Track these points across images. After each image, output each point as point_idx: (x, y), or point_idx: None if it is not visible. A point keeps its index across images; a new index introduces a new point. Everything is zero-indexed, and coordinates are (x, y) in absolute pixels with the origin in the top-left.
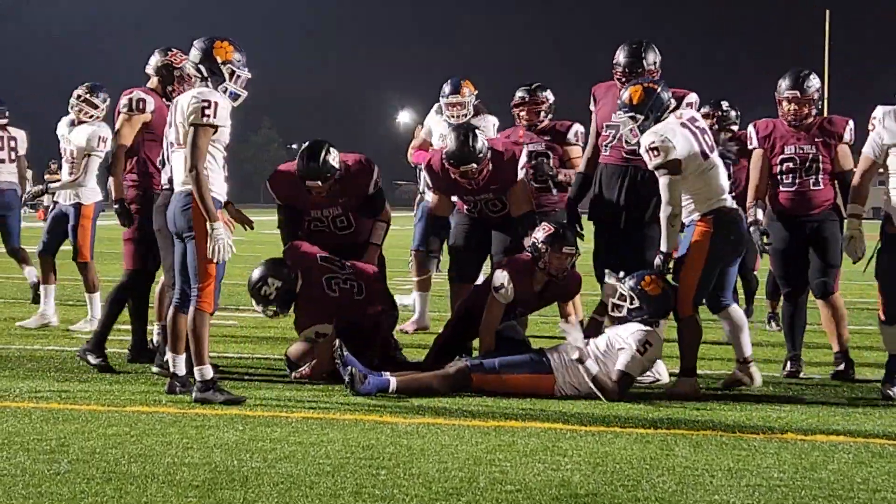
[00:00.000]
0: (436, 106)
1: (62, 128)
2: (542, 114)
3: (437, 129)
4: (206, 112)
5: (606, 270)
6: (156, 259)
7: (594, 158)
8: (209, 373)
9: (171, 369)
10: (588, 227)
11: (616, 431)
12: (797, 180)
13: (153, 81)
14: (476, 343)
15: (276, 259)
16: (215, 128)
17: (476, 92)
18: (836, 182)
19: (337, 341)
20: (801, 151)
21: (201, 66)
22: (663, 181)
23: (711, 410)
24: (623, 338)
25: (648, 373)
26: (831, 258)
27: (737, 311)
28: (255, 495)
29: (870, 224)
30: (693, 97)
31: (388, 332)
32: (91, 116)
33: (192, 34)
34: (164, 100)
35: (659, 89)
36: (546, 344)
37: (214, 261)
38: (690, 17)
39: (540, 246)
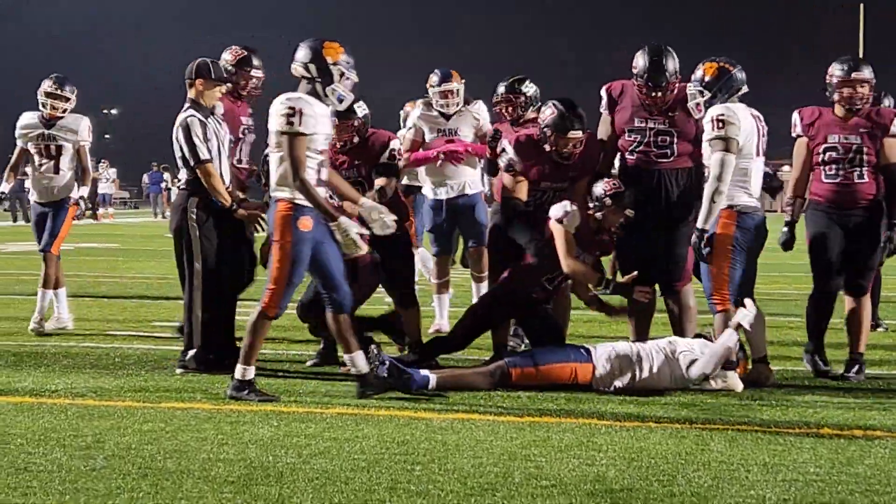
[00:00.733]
0: (419, 106)
1: (34, 126)
2: (521, 108)
3: (428, 125)
4: (291, 120)
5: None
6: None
7: (609, 158)
8: (250, 374)
9: (353, 370)
10: None
11: (651, 427)
12: (840, 172)
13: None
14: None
15: None
16: (305, 135)
17: (464, 81)
18: (881, 176)
19: (374, 347)
20: (846, 141)
21: (311, 66)
22: (716, 156)
23: (746, 405)
24: (688, 343)
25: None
26: (869, 259)
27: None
28: (290, 491)
29: None
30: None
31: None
32: (65, 111)
33: (192, 34)
34: (236, 100)
35: (734, 71)
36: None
37: (348, 255)
38: (690, 17)
39: (604, 199)
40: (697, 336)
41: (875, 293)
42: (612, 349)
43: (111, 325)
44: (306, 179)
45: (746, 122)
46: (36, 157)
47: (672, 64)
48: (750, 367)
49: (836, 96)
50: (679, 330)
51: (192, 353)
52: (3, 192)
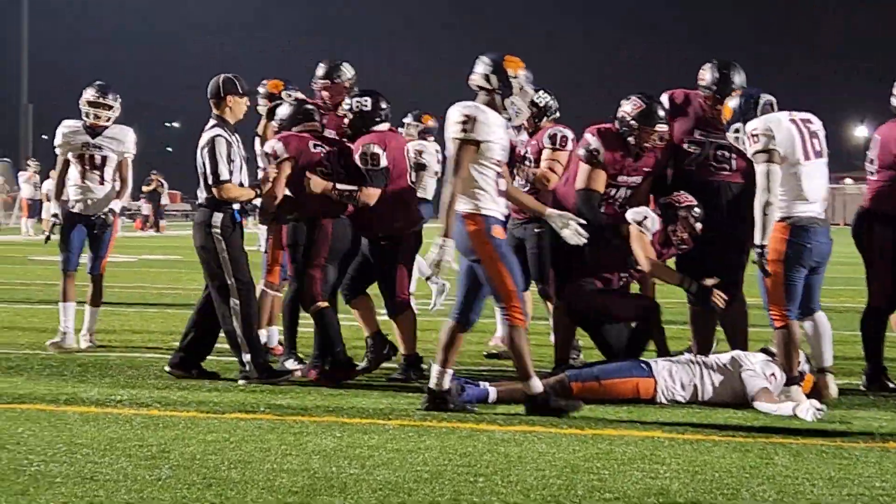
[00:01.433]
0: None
1: (76, 136)
2: (536, 118)
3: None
4: (465, 127)
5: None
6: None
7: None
8: (538, 386)
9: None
10: None
11: (714, 440)
12: None
13: (324, 95)
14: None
15: None
16: (477, 143)
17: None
18: None
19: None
20: None
21: (492, 77)
22: (761, 168)
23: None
24: (751, 360)
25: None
26: None
27: (822, 318)
28: (353, 501)
29: None
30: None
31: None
32: (108, 119)
33: (193, 34)
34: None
35: (741, 93)
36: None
37: (432, 273)
38: (691, 16)
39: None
40: (762, 350)
41: None
42: (673, 363)
43: (174, 337)
44: (453, 183)
45: (782, 130)
46: (78, 167)
47: (739, 78)
48: (814, 380)
49: None
50: (729, 336)
51: (246, 359)
52: (55, 215)
